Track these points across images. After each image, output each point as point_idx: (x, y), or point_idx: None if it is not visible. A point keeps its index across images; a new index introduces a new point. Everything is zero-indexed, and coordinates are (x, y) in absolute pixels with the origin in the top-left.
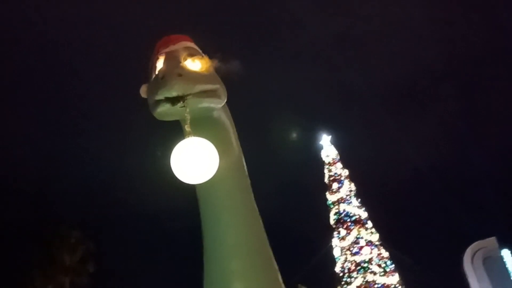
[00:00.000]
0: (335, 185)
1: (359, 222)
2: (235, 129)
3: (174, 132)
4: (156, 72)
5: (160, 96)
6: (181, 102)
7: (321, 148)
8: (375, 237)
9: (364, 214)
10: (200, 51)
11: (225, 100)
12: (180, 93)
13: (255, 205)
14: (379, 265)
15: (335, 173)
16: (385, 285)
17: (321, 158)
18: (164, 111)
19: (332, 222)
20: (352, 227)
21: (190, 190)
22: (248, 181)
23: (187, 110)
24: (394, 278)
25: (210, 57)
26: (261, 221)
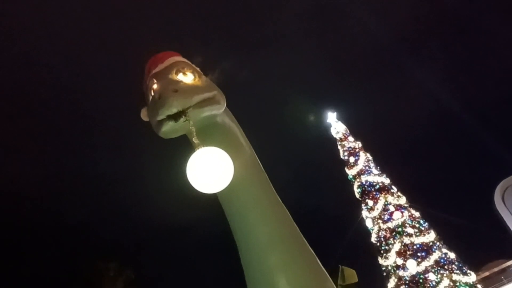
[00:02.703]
0: (351, 159)
1: (383, 189)
2: (241, 129)
3: (184, 145)
4: (152, 94)
5: (161, 116)
6: (183, 117)
7: (330, 126)
8: (402, 200)
9: (386, 181)
10: (189, 63)
11: (225, 104)
12: (180, 108)
13: (278, 197)
14: (413, 226)
15: (349, 147)
16: (424, 243)
17: (332, 136)
18: (169, 130)
19: (357, 195)
20: (378, 196)
21: (213, 198)
22: (266, 175)
23: (191, 122)
24: (431, 236)
25: (199, 66)
26: (286, 211)
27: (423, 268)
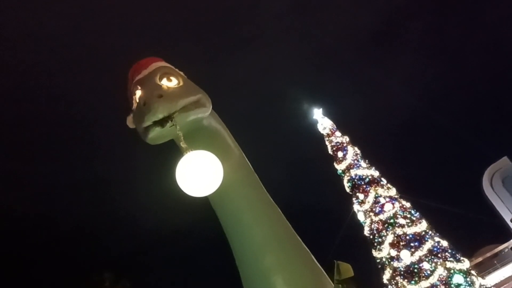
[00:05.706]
0: (340, 154)
1: (373, 182)
2: (228, 130)
3: (173, 151)
4: (137, 100)
5: (147, 122)
6: (170, 122)
7: (316, 122)
8: (393, 192)
9: (375, 173)
10: (173, 67)
11: (211, 107)
12: (166, 114)
13: (269, 197)
14: (405, 217)
15: (337, 142)
16: (416, 233)
17: (319, 132)
18: (156, 135)
19: (347, 189)
20: (368, 189)
21: (205, 202)
22: (256, 176)
23: (178, 127)
24: (423, 225)
25: (182, 70)
26: (279, 210)
27: (417, 258)
